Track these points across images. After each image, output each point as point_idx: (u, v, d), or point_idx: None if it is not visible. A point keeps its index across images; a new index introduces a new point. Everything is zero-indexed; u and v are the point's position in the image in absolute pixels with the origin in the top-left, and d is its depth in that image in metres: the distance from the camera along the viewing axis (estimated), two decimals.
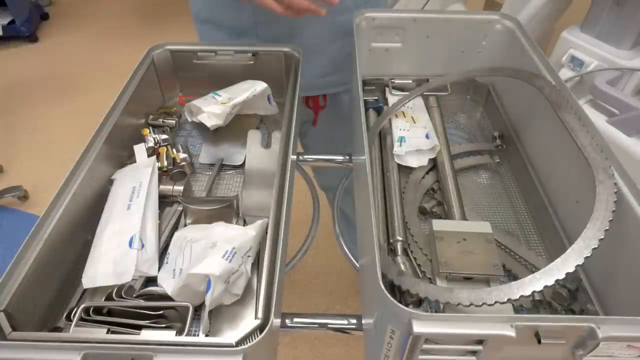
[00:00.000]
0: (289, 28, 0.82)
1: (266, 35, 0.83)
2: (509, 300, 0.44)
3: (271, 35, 0.83)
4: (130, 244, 0.55)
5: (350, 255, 0.71)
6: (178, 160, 0.72)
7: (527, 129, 0.72)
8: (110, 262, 0.54)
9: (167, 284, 0.53)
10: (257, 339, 0.41)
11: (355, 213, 0.69)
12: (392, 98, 0.81)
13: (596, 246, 0.45)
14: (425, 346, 0.39)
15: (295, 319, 0.56)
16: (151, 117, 0.80)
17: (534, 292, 0.43)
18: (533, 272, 0.46)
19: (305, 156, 0.82)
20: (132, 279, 0.53)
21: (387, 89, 0.84)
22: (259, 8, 0.79)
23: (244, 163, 0.74)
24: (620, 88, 1.14)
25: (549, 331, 0.38)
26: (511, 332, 0.37)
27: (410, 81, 0.84)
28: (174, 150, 0.73)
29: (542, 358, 0.43)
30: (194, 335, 0.51)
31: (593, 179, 0.50)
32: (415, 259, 0.60)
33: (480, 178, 0.74)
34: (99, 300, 0.53)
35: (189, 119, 0.80)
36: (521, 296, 0.43)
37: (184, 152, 0.73)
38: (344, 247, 0.73)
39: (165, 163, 0.71)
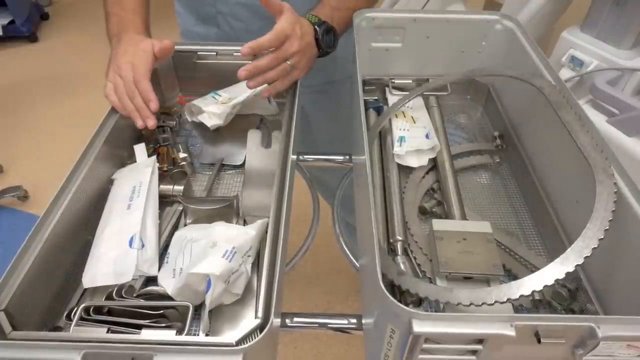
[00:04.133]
0: (245, 24, 0.84)
1: (225, 27, 0.87)
2: (508, 300, 0.44)
3: (229, 28, 0.86)
4: (131, 243, 0.55)
5: (350, 255, 0.70)
6: (178, 160, 0.72)
7: (527, 129, 0.72)
8: (111, 262, 0.54)
9: (167, 284, 0.53)
10: (257, 339, 0.41)
11: (355, 213, 0.69)
12: (392, 98, 0.81)
13: (596, 246, 0.45)
14: (425, 346, 0.39)
15: (295, 319, 0.56)
16: None
17: (534, 291, 0.43)
18: (533, 272, 0.46)
19: (305, 156, 0.82)
20: (132, 279, 0.53)
21: (387, 89, 0.84)
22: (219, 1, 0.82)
23: (244, 163, 0.74)
24: (620, 88, 1.14)
25: (548, 331, 0.38)
26: (511, 332, 0.37)
27: (410, 81, 0.84)
28: (174, 150, 0.73)
29: (542, 358, 0.43)
30: (194, 334, 0.51)
31: (593, 179, 0.50)
32: (415, 258, 0.60)
33: (480, 178, 0.74)
34: (99, 300, 0.53)
35: (189, 119, 0.80)
36: (521, 296, 0.43)
37: (184, 152, 0.73)
38: (344, 247, 0.73)
39: (166, 163, 0.71)
